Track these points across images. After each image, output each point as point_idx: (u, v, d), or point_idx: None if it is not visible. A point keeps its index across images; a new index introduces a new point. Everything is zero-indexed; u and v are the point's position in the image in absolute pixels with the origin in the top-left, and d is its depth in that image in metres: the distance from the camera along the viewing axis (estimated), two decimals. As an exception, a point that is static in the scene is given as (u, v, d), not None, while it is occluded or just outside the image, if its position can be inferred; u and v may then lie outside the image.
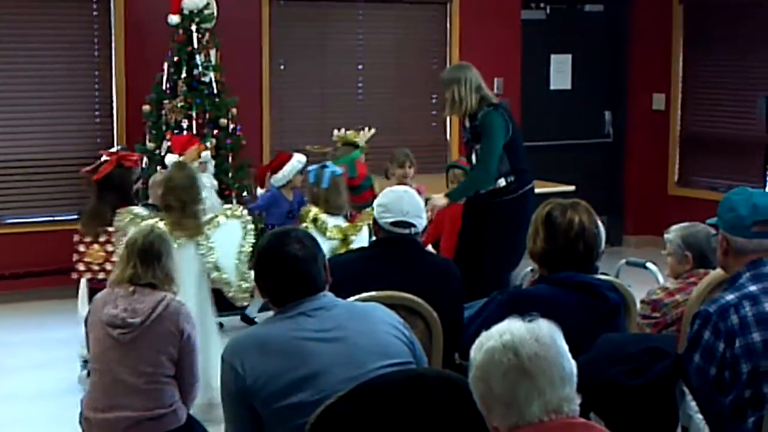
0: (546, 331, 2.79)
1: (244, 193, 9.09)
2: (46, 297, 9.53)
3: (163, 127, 9.00)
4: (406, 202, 4.96)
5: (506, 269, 7.74)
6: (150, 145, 8.98)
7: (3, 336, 8.60)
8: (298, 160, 8.39)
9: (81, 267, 7.18)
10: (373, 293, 4.43)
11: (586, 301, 4.10)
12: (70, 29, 9.85)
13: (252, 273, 6.03)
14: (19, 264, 9.64)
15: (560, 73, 12.04)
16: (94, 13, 9.91)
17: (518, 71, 11.61)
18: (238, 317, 8.64)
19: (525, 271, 7.60)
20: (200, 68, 9.06)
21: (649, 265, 7.10)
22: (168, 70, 9.11)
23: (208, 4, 9.24)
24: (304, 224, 6.70)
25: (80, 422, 5.02)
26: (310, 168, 7.32)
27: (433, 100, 11.35)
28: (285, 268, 3.70)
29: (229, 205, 7.22)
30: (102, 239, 7.11)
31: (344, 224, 6.91)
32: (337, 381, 3.51)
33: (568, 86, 12.11)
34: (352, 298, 4.18)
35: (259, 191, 8.59)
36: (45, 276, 9.65)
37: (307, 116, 10.72)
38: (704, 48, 11.83)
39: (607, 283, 4.28)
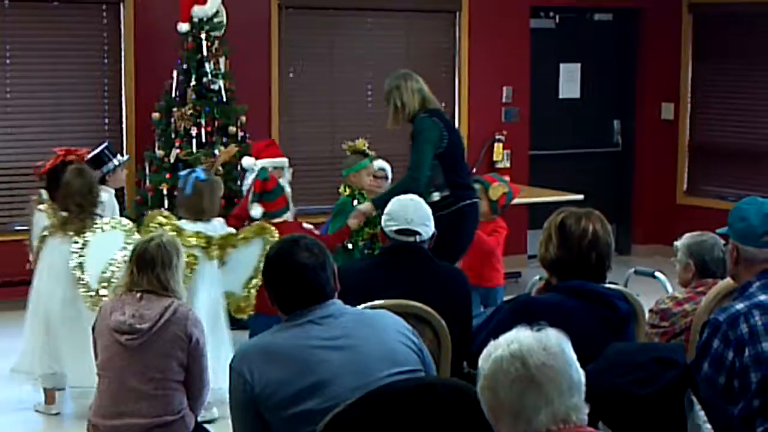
0: (554, 340, 2.79)
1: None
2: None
3: (172, 135, 9.01)
4: (411, 210, 4.97)
5: None
6: (159, 152, 9.00)
7: (11, 343, 8.59)
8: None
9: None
10: (381, 301, 4.43)
11: (596, 311, 4.09)
12: (79, 37, 9.88)
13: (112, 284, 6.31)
14: (28, 271, 9.61)
15: (569, 82, 12.04)
16: (104, 20, 9.93)
17: (527, 80, 11.62)
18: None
19: (533, 279, 7.60)
20: (209, 76, 9.08)
21: (657, 274, 7.10)
22: (177, 77, 9.13)
23: (217, 12, 9.26)
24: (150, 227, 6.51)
25: (88, 429, 5.01)
26: (180, 173, 7.21)
27: (442, 108, 11.32)
28: (293, 275, 3.70)
29: (120, 219, 7.10)
30: None
31: (211, 232, 6.63)
32: (346, 389, 3.51)
33: (578, 95, 12.10)
34: (360, 306, 4.18)
35: None
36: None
37: (316, 124, 10.73)
38: (713, 58, 11.83)
39: (617, 293, 4.27)
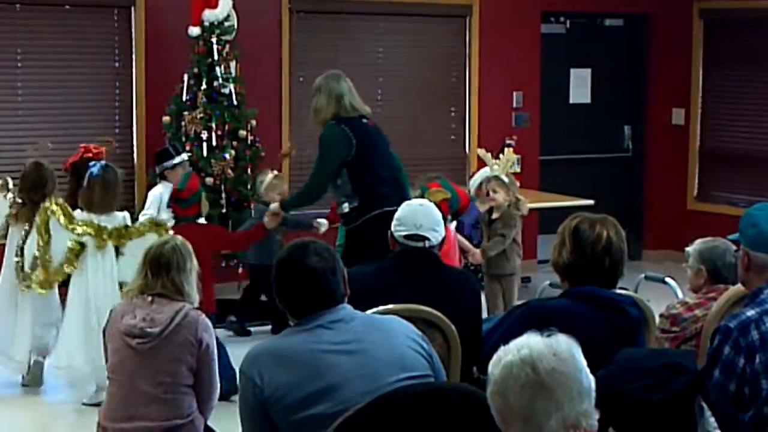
0: (564, 346, 2.78)
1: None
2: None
3: (183, 138, 9.03)
4: (420, 215, 4.96)
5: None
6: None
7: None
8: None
9: None
10: (391, 306, 4.42)
11: (606, 316, 4.08)
12: (91, 40, 9.90)
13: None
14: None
15: (580, 87, 12.04)
16: (115, 24, 9.95)
17: (538, 85, 11.61)
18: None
19: (544, 284, 7.59)
20: (220, 80, 9.09)
21: (668, 279, 7.09)
22: (188, 81, 9.14)
23: (228, 16, 9.28)
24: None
25: None
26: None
27: (453, 113, 11.36)
28: (303, 280, 3.70)
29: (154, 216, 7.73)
30: None
31: (105, 223, 7.04)
32: (355, 394, 3.51)
33: (588, 100, 12.10)
34: (370, 311, 4.18)
35: None
36: (65, 286, 9.67)
37: (326, 128, 10.72)
38: (724, 63, 11.82)
39: (628, 299, 4.26)
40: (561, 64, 11.90)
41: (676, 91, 12.06)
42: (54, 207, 7.01)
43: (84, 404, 7.11)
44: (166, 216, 7.64)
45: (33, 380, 7.48)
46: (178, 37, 9.42)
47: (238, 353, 4.79)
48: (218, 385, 5.04)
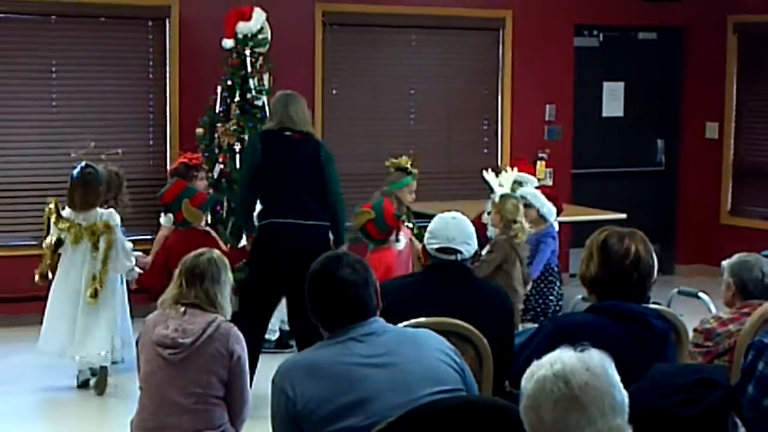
0: (597, 361, 2.77)
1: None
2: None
3: (216, 150, 9.06)
4: (452, 228, 4.96)
5: (240, 306, 7.21)
6: (203, 167, 9.03)
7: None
8: None
9: None
10: (423, 319, 4.42)
11: (632, 330, 4.06)
12: (125, 52, 9.96)
13: None
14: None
15: (613, 100, 12.02)
16: (150, 36, 10.01)
17: (571, 98, 11.60)
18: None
19: (576, 298, 7.57)
20: (253, 92, 9.12)
21: (701, 294, 7.06)
22: (221, 93, 9.18)
23: (262, 28, 9.31)
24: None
25: None
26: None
27: (485, 126, 11.36)
28: (336, 292, 3.70)
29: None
30: None
31: (81, 221, 7.68)
32: (387, 407, 3.50)
33: (621, 114, 12.08)
34: (402, 324, 4.18)
35: None
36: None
37: (358, 141, 10.75)
38: (758, 77, 11.77)
39: (653, 312, 4.24)
40: (594, 78, 11.88)
41: (710, 105, 12.02)
42: (51, 205, 7.85)
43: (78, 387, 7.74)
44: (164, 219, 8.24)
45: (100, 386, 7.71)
46: (211, 50, 9.46)
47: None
48: (249, 397, 5.05)
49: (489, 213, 7.91)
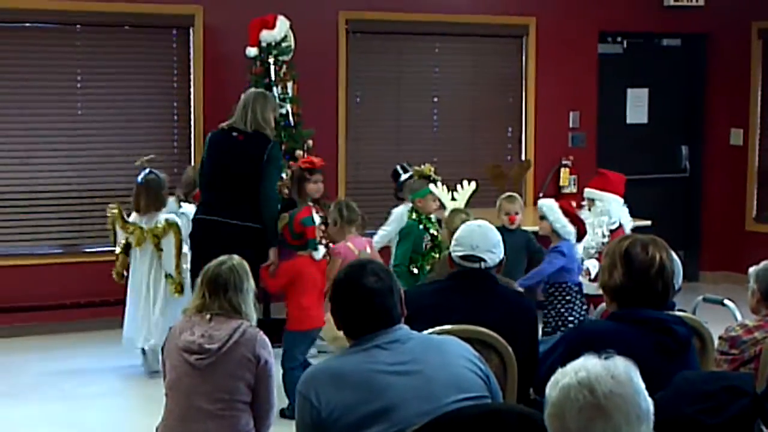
0: (622, 369, 2.77)
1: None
2: (122, 326, 9.62)
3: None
4: (477, 236, 4.97)
5: None
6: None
7: (78, 363, 8.70)
8: None
9: None
10: (448, 327, 4.42)
11: (653, 337, 4.05)
12: (149, 60, 10.00)
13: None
14: (96, 292, 9.72)
15: (637, 107, 11.99)
16: (174, 45, 10.05)
17: (595, 105, 11.59)
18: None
19: (601, 306, 7.54)
20: (277, 100, 9.13)
21: (726, 302, 7.02)
22: (245, 101, 9.18)
23: (285, 36, 9.34)
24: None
25: None
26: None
27: (509, 133, 11.35)
28: (360, 300, 3.71)
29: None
30: None
31: (144, 224, 8.23)
32: (412, 415, 3.50)
33: (645, 120, 12.05)
34: (427, 331, 4.18)
35: None
36: (121, 305, 9.74)
37: (382, 148, 10.76)
38: (784, 83, 11.74)
39: (674, 318, 4.22)
40: (618, 84, 11.86)
41: (735, 111, 11.99)
42: (115, 210, 8.42)
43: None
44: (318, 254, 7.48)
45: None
46: (235, 58, 9.49)
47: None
48: (275, 402, 5.05)
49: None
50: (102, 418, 7.42)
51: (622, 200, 7.99)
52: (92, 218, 9.80)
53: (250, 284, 5.08)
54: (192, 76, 10.02)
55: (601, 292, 7.05)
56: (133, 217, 8.37)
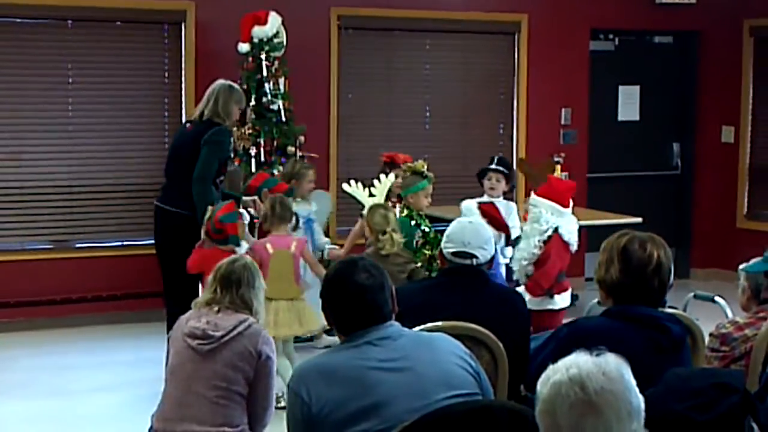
0: (613, 365, 2.77)
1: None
2: (113, 321, 9.63)
3: (232, 154, 9.06)
4: (468, 233, 4.98)
5: None
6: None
7: (70, 359, 8.69)
8: None
9: None
10: (439, 323, 4.43)
11: (647, 335, 4.05)
12: (141, 56, 9.98)
13: None
14: (87, 288, 9.74)
15: (628, 104, 12.00)
16: (165, 40, 10.03)
17: (586, 102, 11.60)
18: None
19: (592, 302, 7.54)
20: (269, 96, 9.13)
21: (717, 298, 7.03)
22: (237, 97, 9.17)
23: (277, 33, 9.33)
24: None
25: None
26: None
27: (500, 130, 11.36)
28: (352, 296, 3.71)
29: None
30: None
31: None
32: (402, 411, 3.50)
33: (637, 117, 12.06)
34: (418, 328, 4.18)
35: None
36: (112, 300, 9.75)
37: (374, 145, 10.74)
38: (775, 80, 11.76)
39: (669, 316, 4.22)
40: (610, 81, 11.87)
41: (726, 109, 12.00)
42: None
43: None
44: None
45: None
46: (227, 54, 9.48)
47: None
48: (273, 402, 5.05)
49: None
50: (94, 414, 7.40)
51: (564, 208, 7.58)
52: (83, 214, 9.80)
53: (261, 283, 5.16)
54: (183, 72, 10.01)
55: (546, 308, 7.00)
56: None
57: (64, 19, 9.68)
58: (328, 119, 10.51)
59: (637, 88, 12.04)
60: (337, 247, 8.64)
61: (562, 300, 7.20)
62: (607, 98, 11.89)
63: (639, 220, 9.59)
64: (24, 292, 9.55)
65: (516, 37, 11.32)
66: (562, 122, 11.52)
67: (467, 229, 5.02)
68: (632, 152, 12.09)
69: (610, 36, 11.93)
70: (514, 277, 7.53)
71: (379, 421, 3.52)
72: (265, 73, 9.18)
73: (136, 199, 9.85)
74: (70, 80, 9.74)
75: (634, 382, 2.77)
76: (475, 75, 11.27)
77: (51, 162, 9.72)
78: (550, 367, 2.80)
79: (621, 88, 11.99)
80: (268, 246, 7.41)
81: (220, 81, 7.98)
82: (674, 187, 12.40)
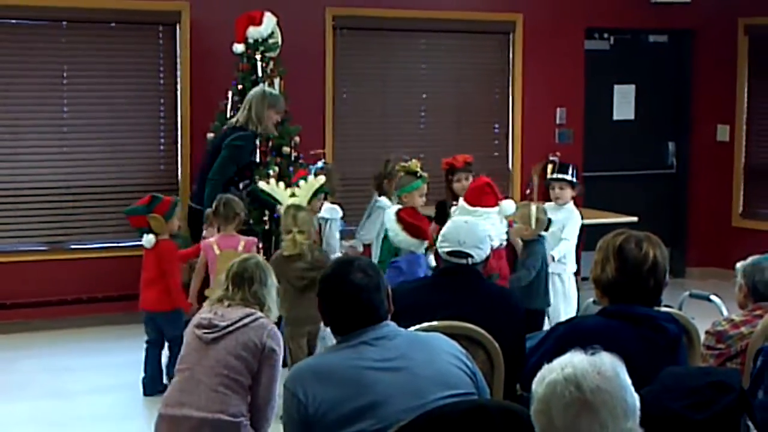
0: (608, 365, 2.77)
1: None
2: (109, 322, 9.62)
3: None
4: (463, 232, 4.99)
5: None
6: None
7: (66, 361, 8.69)
8: None
9: None
10: (434, 323, 4.43)
11: (643, 334, 4.05)
12: (136, 57, 9.96)
13: None
14: (82, 289, 9.73)
15: (624, 103, 12.00)
16: (160, 41, 10.02)
17: (581, 101, 11.59)
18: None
19: (587, 302, 7.54)
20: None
21: (713, 297, 7.04)
22: (232, 98, 9.17)
23: (272, 33, 9.32)
24: None
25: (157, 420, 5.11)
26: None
27: (496, 130, 11.36)
28: (348, 296, 3.71)
29: None
30: None
31: None
32: (398, 411, 3.51)
33: (632, 117, 12.07)
34: (413, 328, 4.18)
35: None
36: (107, 302, 9.74)
37: (369, 145, 10.75)
38: (770, 79, 11.76)
39: (665, 315, 4.22)
40: (605, 81, 11.87)
41: (721, 108, 12.01)
42: None
43: None
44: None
45: None
46: (222, 54, 9.47)
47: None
48: (276, 397, 5.05)
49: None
50: (91, 414, 7.39)
51: (472, 206, 7.36)
52: (78, 215, 9.79)
53: (273, 280, 5.26)
54: (178, 73, 10.00)
55: None
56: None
57: (58, 20, 9.66)
58: (323, 119, 10.50)
59: (632, 87, 12.04)
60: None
61: None
62: (603, 97, 11.88)
63: (634, 219, 9.58)
64: (19, 294, 9.54)
65: (511, 36, 11.32)
66: (558, 121, 11.51)
67: (462, 228, 5.02)
68: (627, 151, 12.09)
69: (605, 35, 11.93)
70: None
71: (376, 421, 3.52)
72: (260, 74, 9.17)
73: (131, 200, 9.75)
74: (65, 81, 9.73)
75: (629, 380, 2.78)
76: (471, 74, 11.26)
77: (46, 163, 9.71)
78: (545, 366, 2.80)
79: (616, 87, 11.99)
80: (215, 247, 7.47)
81: (257, 87, 8.48)
82: (670, 186, 12.40)
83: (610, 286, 4.14)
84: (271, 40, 9.30)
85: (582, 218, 8.45)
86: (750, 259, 5.50)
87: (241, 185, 8.41)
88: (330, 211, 8.34)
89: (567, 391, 2.71)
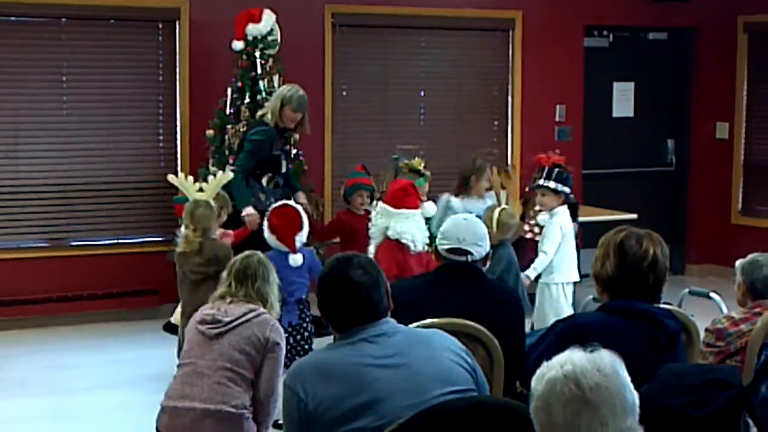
0: (608, 362, 2.77)
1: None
2: (109, 319, 9.62)
3: (226, 152, 9.07)
4: (463, 229, 4.98)
5: None
6: (213, 169, 9.04)
7: (66, 357, 8.69)
8: None
9: None
10: (434, 320, 4.43)
11: (644, 330, 4.06)
12: (135, 54, 9.96)
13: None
14: (82, 286, 9.73)
15: (623, 101, 12.01)
16: (160, 38, 10.01)
17: (581, 99, 11.59)
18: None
19: (587, 299, 7.55)
20: (263, 94, 9.12)
21: (712, 294, 7.04)
22: (231, 95, 9.18)
23: (271, 30, 9.32)
24: None
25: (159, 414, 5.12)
26: None
27: (495, 127, 11.36)
28: (347, 293, 3.71)
29: None
30: None
31: None
32: (398, 408, 3.51)
33: (631, 114, 12.07)
34: (413, 325, 4.19)
35: None
36: (108, 298, 9.74)
37: (369, 142, 10.75)
38: (769, 76, 11.76)
39: (664, 311, 4.23)
40: (604, 78, 11.87)
41: (720, 105, 12.01)
42: None
43: None
44: None
45: None
46: (221, 52, 9.47)
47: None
48: (279, 391, 5.05)
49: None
50: (91, 412, 7.40)
51: (394, 209, 7.16)
52: (78, 212, 9.79)
53: (275, 277, 5.34)
54: (178, 70, 10.00)
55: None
56: None
57: (58, 17, 9.66)
58: (323, 117, 10.49)
59: (631, 85, 12.04)
60: None
61: None
62: (602, 95, 11.89)
63: (634, 216, 9.62)
64: (20, 291, 9.54)
65: (510, 33, 11.32)
66: (557, 119, 11.52)
67: (462, 225, 5.02)
68: (627, 149, 12.09)
69: (605, 32, 11.93)
70: None
71: (375, 418, 3.52)
72: (259, 71, 9.18)
73: (131, 196, 9.85)
74: (65, 78, 9.73)
75: (628, 378, 2.78)
76: (470, 72, 11.26)
77: (46, 160, 9.70)
78: (545, 363, 2.80)
79: (615, 84, 11.99)
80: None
81: (285, 85, 8.59)
82: (669, 183, 12.41)
83: (610, 282, 4.15)
84: (270, 38, 9.31)
85: (575, 220, 8.33)
86: (748, 257, 5.51)
87: (264, 180, 8.41)
88: (428, 209, 8.16)
89: (566, 389, 2.71)
